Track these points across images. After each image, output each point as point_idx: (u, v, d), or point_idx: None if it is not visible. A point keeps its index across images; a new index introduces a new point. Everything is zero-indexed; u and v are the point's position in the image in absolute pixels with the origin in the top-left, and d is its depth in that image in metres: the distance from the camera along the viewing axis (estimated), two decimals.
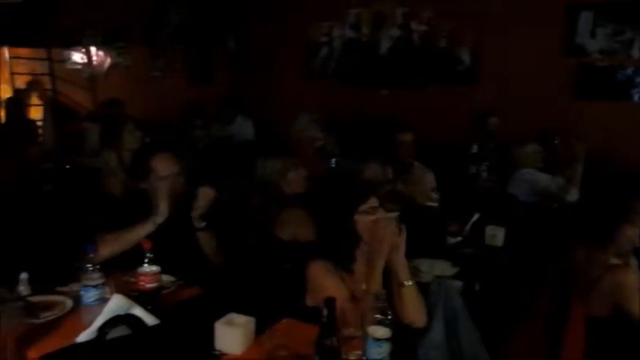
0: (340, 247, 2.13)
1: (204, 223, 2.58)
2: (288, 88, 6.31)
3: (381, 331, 1.63)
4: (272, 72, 6.47)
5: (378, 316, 1.64)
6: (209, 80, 7.11)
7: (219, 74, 7.01)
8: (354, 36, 5.72)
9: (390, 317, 1.65)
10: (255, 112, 6.18)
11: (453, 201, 3.49)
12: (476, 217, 3.16)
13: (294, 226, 2.67)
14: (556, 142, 4.16)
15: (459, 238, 3.09)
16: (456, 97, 5.25)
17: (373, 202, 2.14)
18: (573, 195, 3.73)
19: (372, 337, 1.63)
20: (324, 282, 2.09)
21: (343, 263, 2.13)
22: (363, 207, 2.11)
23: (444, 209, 3.40)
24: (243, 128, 5.98)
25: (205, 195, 2.55)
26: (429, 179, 3.92)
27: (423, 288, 2.26)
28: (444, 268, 2.73)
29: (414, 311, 2.05)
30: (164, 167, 2.58)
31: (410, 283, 2.03)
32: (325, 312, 1.56)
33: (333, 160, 4.01)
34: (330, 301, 1.57)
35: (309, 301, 2.14)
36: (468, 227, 3.13)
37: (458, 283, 2.56)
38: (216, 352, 1.81)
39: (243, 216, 3.01)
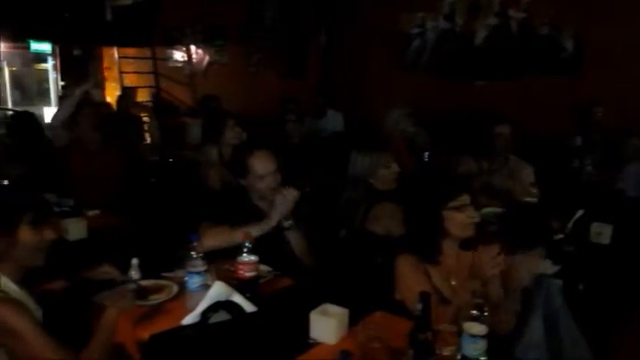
0: (427, 239, 2.12)
1: (290, 222, 2.55)
2: (379, 82, 6.28)
3: (478, 328, 1.60)
4: (363, 65, 6.47)
5: (474, 312, 1.61)
6: (301, 75, 7.23)
7: (311, 69, 7.11)
8: (447, 27, 5.57)
9: (486, 314, 1.62)
10: (345, 106, 6.22)
11: (554, 197, 3.33)
12: (579, 213, 2.99)
13: (387, 221, 2.67)
14: None
15: (561, 236, 2.95)
16: (558, 87, 4.98)
17: (465, 199, 2.10)
18: None
19: (467, 334, 1.60)
20: (408, 277, 2.10)
21: (430, 256, 2.12)
22: (454, 203, 2.08)
23: (545, 205, 3.25)
24: (334, 121, 6.04)
25: (288, 196, 2.51)
26: (527, 174, 3.75)
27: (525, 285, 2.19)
28: (544, 265, 2.61)
29: (505, 328, 2.00)
30: (261, 166, 2.62)
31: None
32: (420, 306, 1.56)
33: (426, 154, 3.95)
34: (424, 296, 1.57)
35: (397, 295, 2.15)
36: (570, 224, 2.97)
37: (559, 282, 2.45)
38: (311, 341, 1.86)
39: (334, 210, 3.05)
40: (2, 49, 10.67)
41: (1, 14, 8.30)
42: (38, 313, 1.81)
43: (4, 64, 11.13)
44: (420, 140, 4.29)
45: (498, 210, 3.19)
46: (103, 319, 1.82)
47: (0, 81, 11.20)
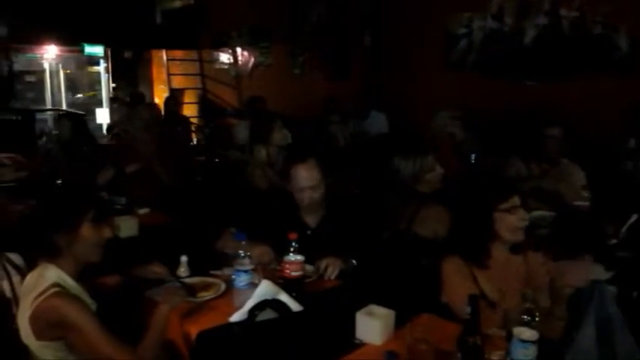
0: (476, 242, 2.09)
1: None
2: (424, 82, 6.22)
3: (528, 333, 1.57)
4: (408, 66, 6.42)
5: (525, 317, 1.58)
6: (345, 76, 7.23)
7: (355, 70, 7.11)
8: (495, 26, 5.47)
9: (537, 319, 1.59)
10: (390, 107, 6.19)
11: (607, 200, 3.23)
12: (634, 217, 2.89)
13: (434, 223, 2.64)
14: None
15: (614, 241, 2.85)
16: (611, 88, 4.81)
17: (515, 201, 2.05)
18: None
19: (517, 339, 1.57)
20: (454, 280, 2.08)
21: (477, 259, 2.09)
22: (504, 205, 2.04)
23: (598, 209, 3.15)
24: (377, 123, 6.02)
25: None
26: (579, 176, 3.66)
27: (573, 291, 2.13)
28: (596, 271, 2.54)
29: (555, 334, 1.95)
30: (301, 179, 2.61)
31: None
32: (469, 309, 1.54)
33: (473, 155, 3.89)
34: (473, 299, 1.55)
35: (443, 298, 2.13)
36: (624, 229, 2.88)
37: (612, 289, 2.37)
38: (357, 341, 1.86)
39: (378, 211, 3.04)
40: (58, 53, 11.10)
41: (57, 19, 8.67)
42: (93, 307, 1.88)
43: (60, 66, 11.57)
44: (466, 142, 4.23)
45: (548, 213, 3.12)
46: (155, 315, 1.87)
47: (56, 83, 11.64)
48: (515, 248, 2.09)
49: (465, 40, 5.76)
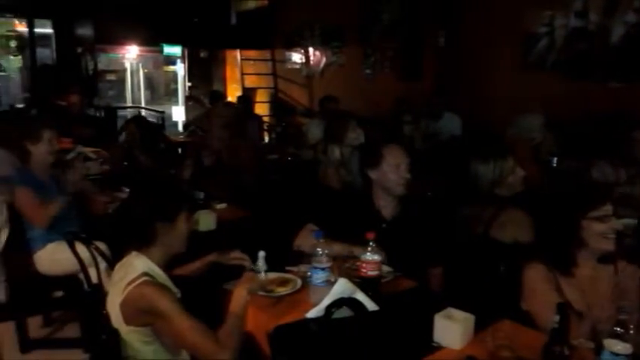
0: (561, 249, 2.01)
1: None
2: (500, 83, 6.04)
3: (620, 346, 1.50)
4: (483, 66, 6.26)
5: (618, 329, 1.51)
6: (418, 76, 7.15)
7: (428, 70, 7.01)
8: (579, 24, 5.23)
9: (632, 332, 1.51)
10: (464, 108, 6.06)
11: None
12: None
13: (514, 228, 2.55)
14: None
15: None
16: None
17: (608, 209, 1.95)
18: None
19: (609, 351, 1.50)
20: (537, 288, 2.01)
21: (562, 266, 2.01)
22: (596, 213, 1.94)
23: None
24: (451, 124, 5.91)
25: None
26: None
27: None
28: None
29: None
30: (395, 155, 2.66)
31: None
32: (557, 318, 1.49)
33: (555, 158, 3.74)
34: (562, 307, 1.50)
35: (523, 305, 2.06)
36: None
37: None
38: (435, 344, 1.84)
39: (454, 214, 2.98)
40: (138, 53, 11.63)
41: (138, 21, 9.10)
42: (178, 296, 1.95)
43: (140, 66, 12.13)
44: (545, 144, 4.08)
45: (634, 221, 2.95)
46: (233, 299, 1.91)
47: (135, 81, 12.20)
48: (604, 258, 2.00)
49: (546, 38, 5.54)
